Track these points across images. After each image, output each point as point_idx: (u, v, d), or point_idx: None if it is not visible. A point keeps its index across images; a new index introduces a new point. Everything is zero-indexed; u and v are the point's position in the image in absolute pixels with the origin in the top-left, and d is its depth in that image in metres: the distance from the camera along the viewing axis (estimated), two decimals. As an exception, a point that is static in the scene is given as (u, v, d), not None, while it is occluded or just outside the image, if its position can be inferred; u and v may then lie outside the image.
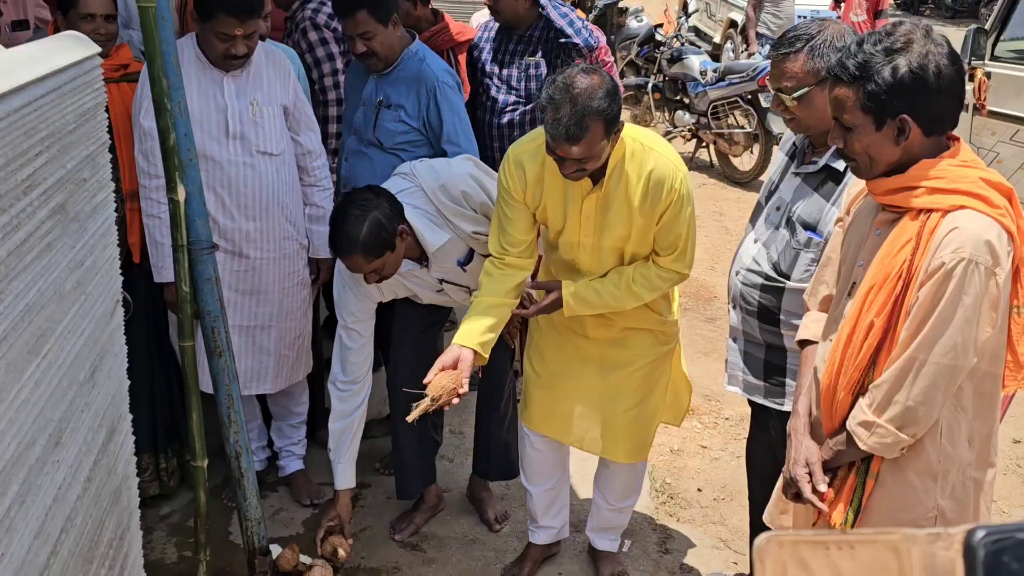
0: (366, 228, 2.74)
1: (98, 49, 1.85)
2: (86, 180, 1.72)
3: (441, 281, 3.12)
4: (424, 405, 2.50)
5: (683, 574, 3.27)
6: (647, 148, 2.62)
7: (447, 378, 2.53)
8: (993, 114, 5.54)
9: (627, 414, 2.93)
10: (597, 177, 2.62)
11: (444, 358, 2.59)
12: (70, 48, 1.71)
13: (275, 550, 2.84)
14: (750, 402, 2.81)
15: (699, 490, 3.79)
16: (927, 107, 1.86)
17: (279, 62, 3.23)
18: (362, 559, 3.30)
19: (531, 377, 3.05)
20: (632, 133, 2.64)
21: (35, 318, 1.43)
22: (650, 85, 9.35)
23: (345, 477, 3.15)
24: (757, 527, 2.95)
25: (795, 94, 2.37)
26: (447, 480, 3.81)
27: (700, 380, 4.68)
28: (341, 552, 2.96)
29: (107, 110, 3.05)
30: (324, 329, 4.27)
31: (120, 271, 1.88)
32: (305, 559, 2.86)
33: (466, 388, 2.55)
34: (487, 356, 2.66)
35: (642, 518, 3.56)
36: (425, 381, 2.55)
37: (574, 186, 2.65)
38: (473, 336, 2.63)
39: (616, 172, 2.62)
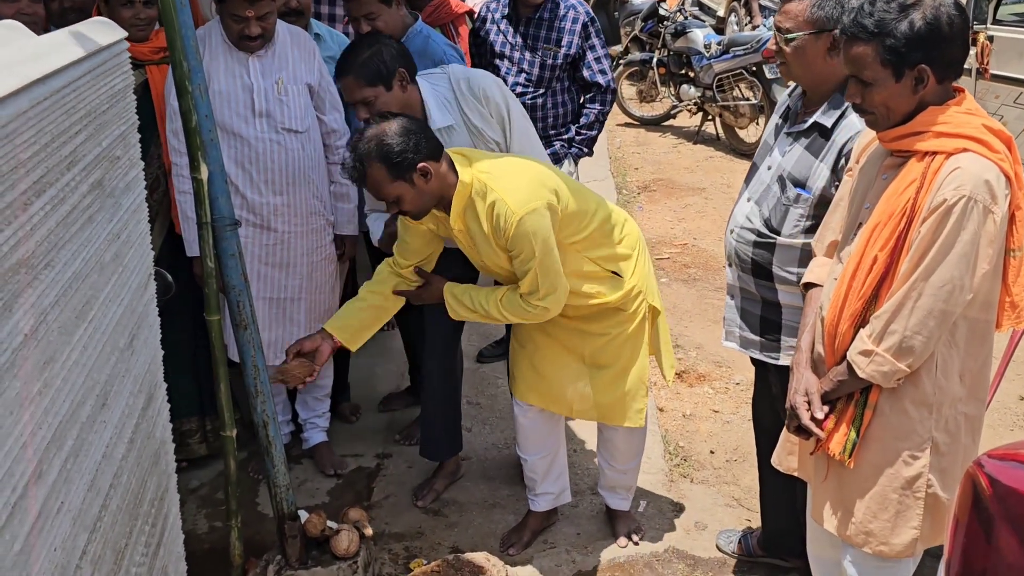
0: (366, 53, 2.93)
1: (124, 33, 1.94)
2: (119, 158, 1.81)
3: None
4: (273, 378, 2.80)
5: (697, 531, 3.36)
6: (489, 189, 2.71)
7: (301, 368, 2.85)
8: (996, 77, 5.58)
9: (615, 381, 3.03)
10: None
11: (306, 343, 2.88)
12: (100, 32, 1.80)
13: (302, 516, 2.94)
14: (753, 361, 2.90)
15: (711, 452, 3.88)
16: (942, 55, 1.99)
17: (304, 42, 3.34)
18: (387, 524, 3.41)
19: (516, 350, 3.15)
20: (480, 171, 2.74)
21: (81, 285, 1.53)
22: (655, 60, 9.39)
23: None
24: (766, 483, 3.05)
25: (789, 36, 2.46)
26: (466, 449, 3.90)
27: (710, 347, 4.77)
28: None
29: (148, 90, 3.22)
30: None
31: (166, 243, 1.97)
32: (332, 524, 2.96)
33: (315, 376, 2.89)
34: (354, 349, 2.99)
35: (657, 480, 3.65)
36: (285, 359, 2.86)
37: (440, 219, 2.85)
38: (346, 330, 2.95)
39: (469, 208, 2.76)
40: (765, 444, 2.92)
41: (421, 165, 2.64)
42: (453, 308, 2.94)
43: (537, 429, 3.19)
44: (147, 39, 3.24)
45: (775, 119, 2.74)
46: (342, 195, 3.49)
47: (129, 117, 1.92)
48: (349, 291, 4.27)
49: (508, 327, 3.55)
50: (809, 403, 2.17)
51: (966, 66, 5.58)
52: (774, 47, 2.56)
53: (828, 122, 2.51)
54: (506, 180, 2.72)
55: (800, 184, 2.55)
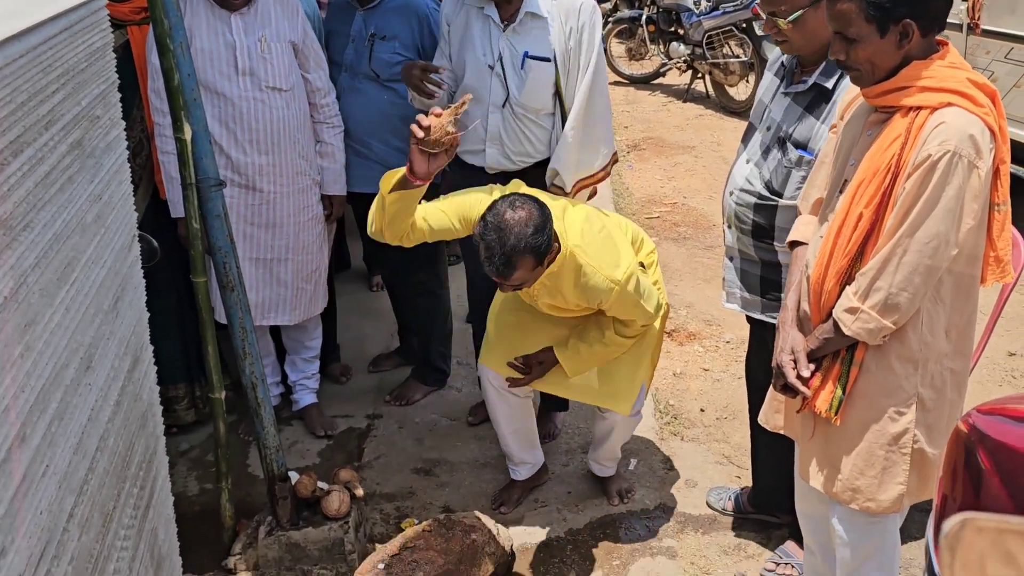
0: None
1: (102, -11, 1.89)
2: (99, 117, 1.78)
3: (498, 59, 3.16)
4: (441, 144, 2.52)
5: (688, 488, 3.39)
6: (583, 258, 2.72)
7: (445, 118, 2.52)
8: (987, 33, 5.53)
9: (626, 371, 3.06)
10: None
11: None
12: (76, -11, 1.76)
13: (293, 477, 2.95)
14: (748, 319, 2.89)
15: (702, 410, 3.89)
16: (926, 9, 1.96)
17: (287, 0, 3.27)
18: (377, 485, 3.43)
19: (490, 328, 3.18)
20: (576, 242, 2.72)
21: (62, 247, 1.51)
22: (644, 17, 9.30)
23: None
24: (757, 440, 3.06)
25: (790, 17, 2.42)
26: (456, 409, 3.92)
27: (700, 306, 4.77)
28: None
29: (130, 52, 3.16)
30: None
31: (151, 208, 1.94)
32: (322, 485, 2.97)
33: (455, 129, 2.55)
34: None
35: (647, 438, 3.67)
36: (427, 123, 2.52)
37: None
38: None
39: (551, 272, 2.74)
40: (757, 402, 2.92)
41: (555, 244, 2.66)
42: (572, 366, 3.00)
43: (507, 399, 3.18)
44: None
45: (769, 76, 2.71)
46: (328, 155, 3.45)
47: (109, 76, 1.88)
48: (336, 252, 4.27)
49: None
50: (795, 361, 2.17)
51: (957, 21, 5.54)
52: (768, 29, 2.51)
53: (829, 84, 2.48)
54: (598, 257, 2.75)
55: (802, 146, 2.52)
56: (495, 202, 2.61)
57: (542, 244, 2.57)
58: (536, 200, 2.64)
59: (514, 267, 2.56)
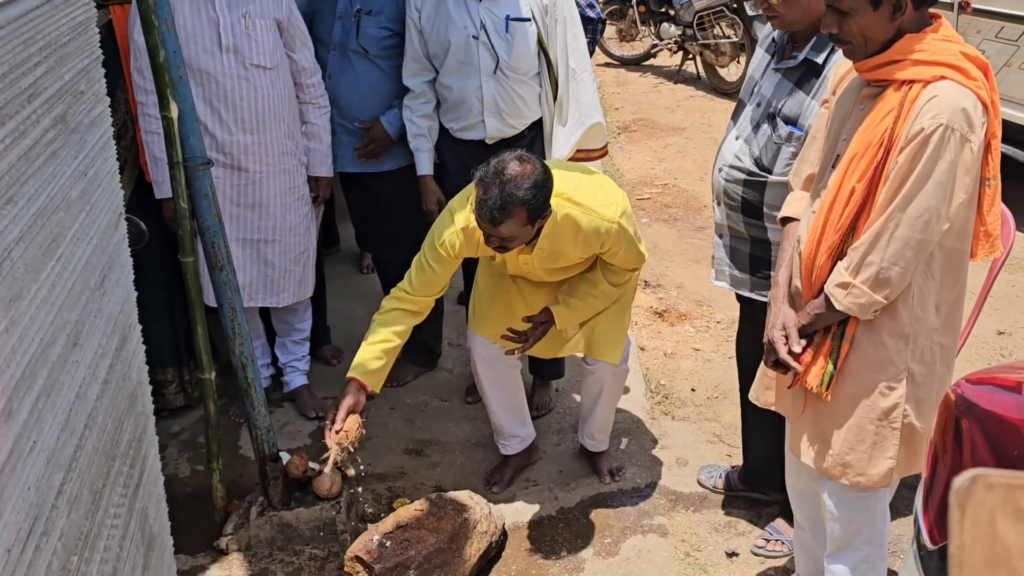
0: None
1: (85, -37, 1.87)
2: (83, 92, 1.76)
3: (481, 28, 3.23)
4: (334, 455, 2.73)
5: (679, 467, 3.39)
6: (576, 204, 2.74)
7: (354, 423, 2.75)
8: (978, 12, 5.52)
9: (601, 314, 3.07)
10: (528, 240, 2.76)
11: (348, 401, 2.75)
12: (59, -38, 1.73)
13: (284, 458, 2.94)
14: (738, 297, 2.89)
15: (692, 390, 3.90)
16: None
17: None
18: (369, 465, 3.42)
19: (477, 296, 3.20)
20: (562, 190, 2.73)
21: (47, 222, 1.49)
22: (635, -2, 9.25)
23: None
24: (747, 418, 3.07)
25: None
26: (447, 390, 3.92)
27: (691, 286, 4.77)
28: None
29: (112, 32, 3.13)
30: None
31: (136, 191, 1.93)
32: (314, 465, 2.96)
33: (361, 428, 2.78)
34: (378, 389, 2.85)
35: (638, 418, 3.67)
36: (337, 430, 2.72)
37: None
38: (374, 376, 2.80)
39: (548, 234, 2.76)
40: (747, 381, 2.93)
41: (549, 208, 2.67)
42: (561, 320, 3.02)
43: (494, 364, 3.19)
44: None
45: (760, 52, 2.69)
46: (314, 135, 3.42)
47: (92, 51, 1.85)
48: (325, 234, 4.25)
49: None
50: (787, 337, 2.17)
51: (948, 0, 5.53)
52: (762, 4, 2.50)
53: (819, 59, 2.47)
54: (590, 198, 2.78)
55: (792, 122, 2.51)
56: (503, 153, 2.64)
57: (538, 201, 2.58)
58: (541, 161, 2.66)
59: (507, 215, 2.56)
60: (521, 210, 2.57)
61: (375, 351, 2.79)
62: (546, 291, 3.08)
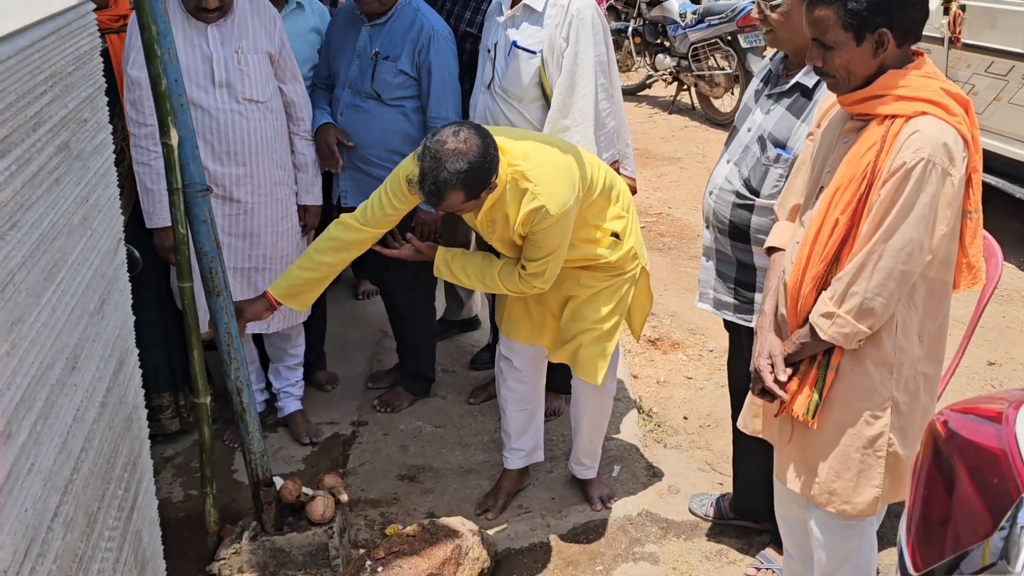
0: None
1: (90, -6, 1.91)
2: (87, 120, 1.80)
3: (495, 44, 3.40)
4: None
5: (670, 495, 3.41)
6: (531, 188, 2.73)
7: (294, 485, 2.90)
8: (968, 47, 5.60)
9: (586, 333, 3.05)
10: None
11: (248, 305, 2.87)
12: (64, -6, 1.78)
13: (278, 482, 2.95)
14: (726, 325, 2.92)
15: (685, 418, 3.92)
16: (903, 18, 2.00)
17: (264, 10, 3.29)
18: (362, 491, 3.43)
19: (507, 303, 3.20)
20: (514, 160, 2.74)
21: (49, 247, 1.52)
22: (630, 29, 9.37)
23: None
24: (739, 447, 3.09)
25: (775, 2, 2.47)
26: (440, 416, 3.94)
27: (684, 315, 4.81)
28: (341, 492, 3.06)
29: (108, 57, 3.16)
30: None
31: (131, 220, 1.95)
32: (307, 490, 2.97)
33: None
34: (304, 310, 2.93)
35: (630, 445, 3.69)
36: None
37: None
38: (286, 294, 2.89)
39: (497, 201, 2.77)
40: (739, 408, 2.96)
41: (492, 180, 2.68)
42: (440, 270, 3.01)
43: (520, 376, 3.23)
44: (107, 6, 3.19)
45: (756, 83, 2.75)
46: (302, 165, 3.47)
47: (96, 80, 1.89)
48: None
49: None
50: (773, 366, 2.20)
51: (938, 35, 5.62)
52: (757, 15, 2.57)
53: (810, 82, 2.53)
54: (546, 180, 2.74)
55: (780, 144, 2.56)
56: (442, 127, 2.66)
57: (475, 181, 2.61)
58: (483, 134, 2.64)
59: (442, 197, 2.62)
60: (457, 191, 2.61)
61: (299, 276, 2.89)
62: (560, 300, 3.09)
